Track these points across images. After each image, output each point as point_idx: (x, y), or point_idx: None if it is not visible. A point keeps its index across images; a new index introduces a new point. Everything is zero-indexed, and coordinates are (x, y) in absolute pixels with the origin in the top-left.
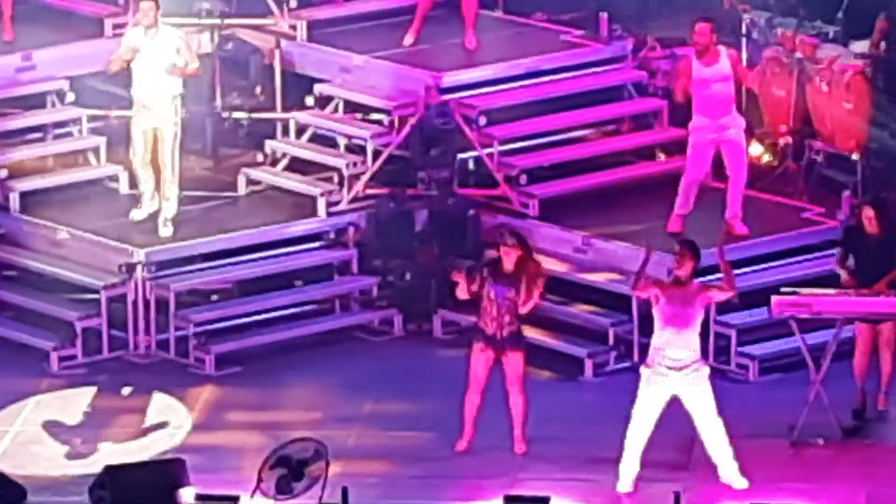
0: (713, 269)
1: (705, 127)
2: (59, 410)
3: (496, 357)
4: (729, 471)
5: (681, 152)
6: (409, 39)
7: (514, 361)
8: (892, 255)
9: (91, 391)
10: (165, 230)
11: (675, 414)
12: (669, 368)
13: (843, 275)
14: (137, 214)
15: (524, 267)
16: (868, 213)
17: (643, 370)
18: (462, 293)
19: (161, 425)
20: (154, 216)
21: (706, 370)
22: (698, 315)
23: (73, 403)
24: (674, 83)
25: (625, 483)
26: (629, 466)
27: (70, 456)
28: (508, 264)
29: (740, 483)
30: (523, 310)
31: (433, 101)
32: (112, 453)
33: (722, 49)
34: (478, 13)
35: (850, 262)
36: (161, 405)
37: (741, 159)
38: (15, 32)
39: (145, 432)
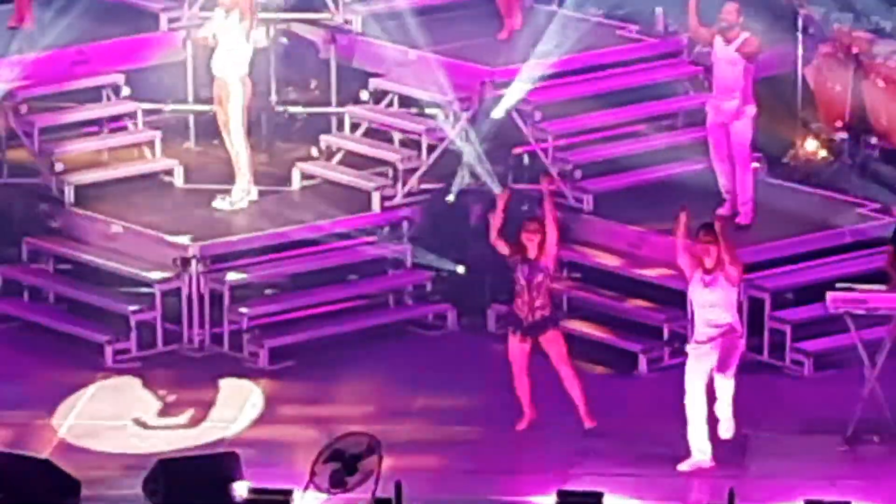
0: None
1: (713, 106)
2: (112, 403)
3: (533, 342)
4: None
5: None
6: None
7: (552, 342)
8: None
9: (145, 383)
10: (221, 203)
11: None
12: (702, 343)
13: (894, 274)
14: (220, 204)
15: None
16: None
17: (688, 347)
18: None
19: (216, 418)
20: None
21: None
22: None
23: (127, 396)
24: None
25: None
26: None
27: (124, 448)
28: (533, 250)
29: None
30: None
31: (488, 96)
32: (166, 446)
33: (744, 34)
34: (514, 4)
35: None
36: (217, 397)
37: (741, 143)
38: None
39: (199, 425)
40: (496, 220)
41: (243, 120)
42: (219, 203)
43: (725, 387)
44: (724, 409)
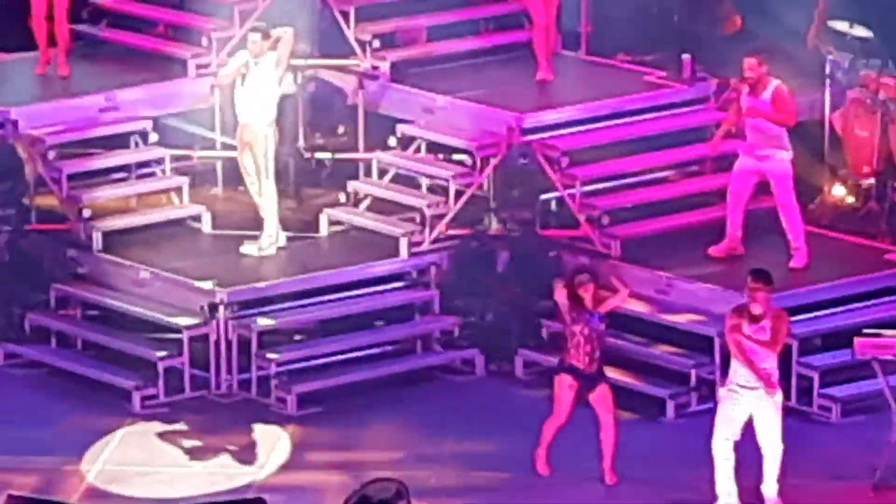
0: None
1: (746, 155)
2: (140, 448)
3: (583, 391)
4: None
5: (762, 193)
6: (544, 74)
7: (605, 394)
8: None
9: (172, 429)
10: (249, 248)
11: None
12: (742, 387)
13: None
14: (248, 249)
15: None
16: None
17: (720, 390)
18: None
19: (243, 463)
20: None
21: (779, 394)
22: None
23: (155, 441)
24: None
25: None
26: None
27: (152, 494)
28: (589, 302)
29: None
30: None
31: (516, 142)
32: (194, 491)
33: (774, 82)
34: (549, 48)
35: None
36: (244, 442)
37: (783, 190)
38: (71, 68)
39: (227, 470)
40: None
41: (271, 165)
42: (247, 249)
43: (773, 445)
44: (772, 468)
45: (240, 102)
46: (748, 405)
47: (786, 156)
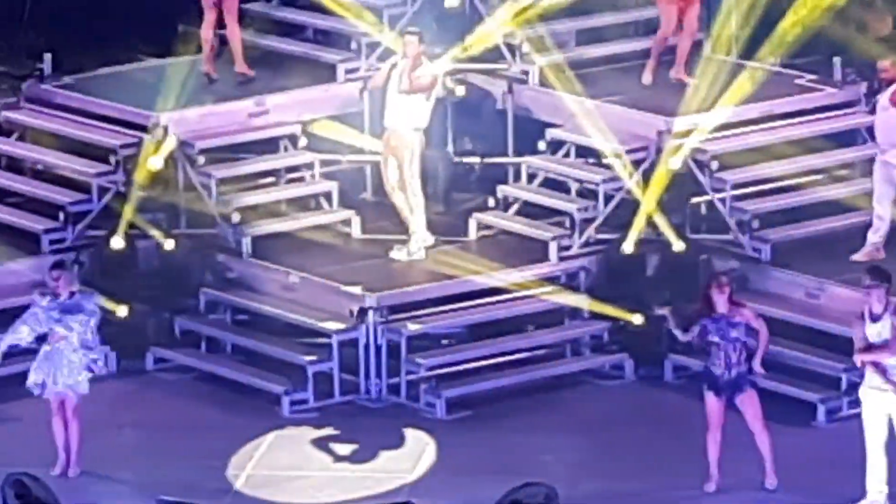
0: None
1: (879, 151)
2: (290, 453)
3: (728, 399)
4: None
5: None
6: (647, 77)
7: (748, 401)
8: None
9: (322, 433)
10: (398, 253)
11: None
12: (876, 389)
13: None
14: (397, 254)
15: (740, 310)
16: None
17: (860, 391)
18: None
19: (393, 468)
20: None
21: None
22: None
23: (305, 446)
24: None
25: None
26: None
27: (301, 499)
28: (722, 306)
29: None
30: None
31: (665, 146)
32: (343, 496)
33: None
34: (685, 50)
35: None
36: (393, 447)
37: None
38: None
39: (376, 474)
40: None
41: (417, 170)
42: (396, 253)
43: None
44: None
45: (389, 107)
46: (886, 405)
47: None
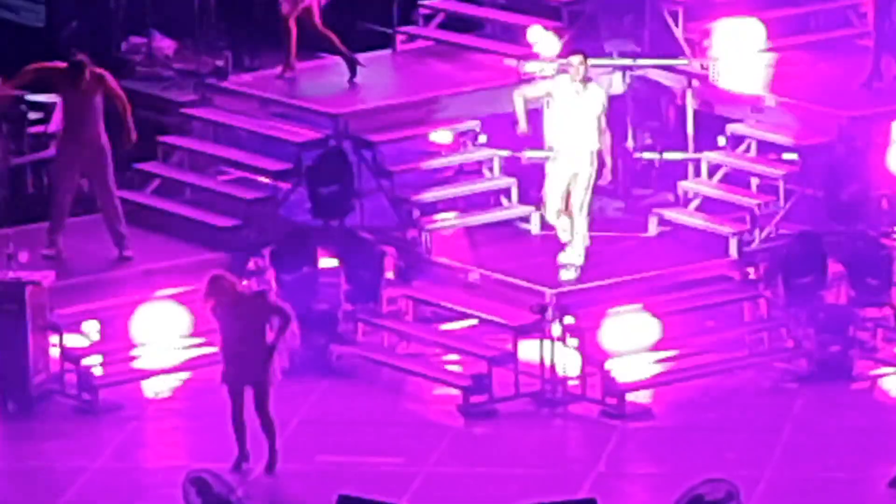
0: None
1: None
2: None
3: None
4: None
5: None
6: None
7: None
8: None
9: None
10: (567, 273)
11: None
12: None
13: None
14: (565, 258)
15: None
16: None
17: None
18: None
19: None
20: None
21: None
22: None
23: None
24: None
25: None
26: None
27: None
28: None
29: None
30: None
31: (845, 142)
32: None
33: None
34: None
35: None
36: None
37: None
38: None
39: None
40: None
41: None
42: (565, 257)
43: None
44: None
45: (559, 132)
46: None
47: None
